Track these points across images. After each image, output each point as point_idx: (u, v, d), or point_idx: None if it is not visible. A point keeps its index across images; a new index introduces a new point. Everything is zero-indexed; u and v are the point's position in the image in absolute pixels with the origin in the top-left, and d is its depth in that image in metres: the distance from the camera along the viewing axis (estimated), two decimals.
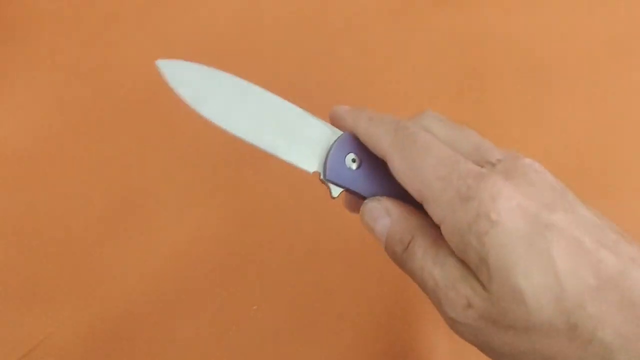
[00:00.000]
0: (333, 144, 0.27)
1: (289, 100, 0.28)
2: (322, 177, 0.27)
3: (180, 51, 0.50)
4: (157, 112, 0.48)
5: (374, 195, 0.26)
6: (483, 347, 0.23)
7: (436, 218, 0.23)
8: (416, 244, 0.24)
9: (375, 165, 0.26)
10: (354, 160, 0.26)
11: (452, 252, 0.23)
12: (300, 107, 0.28)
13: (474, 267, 0.21)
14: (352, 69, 0.49)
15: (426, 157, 0.23)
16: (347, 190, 0.27)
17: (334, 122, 0.28)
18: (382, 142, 0.25)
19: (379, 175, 0.26)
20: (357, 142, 0.27)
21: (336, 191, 0.27)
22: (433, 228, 0.24)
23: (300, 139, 0.27)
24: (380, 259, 0.41)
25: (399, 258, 0.25)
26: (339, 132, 0.27)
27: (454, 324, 0.23)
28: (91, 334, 0.39)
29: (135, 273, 0.41)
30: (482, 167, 0.23)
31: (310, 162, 0.27)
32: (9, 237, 0.42)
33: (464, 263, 0.22)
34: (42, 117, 0.48)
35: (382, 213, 0.25)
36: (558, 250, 0.20)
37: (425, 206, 0.23)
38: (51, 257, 0.42)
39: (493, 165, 0.23)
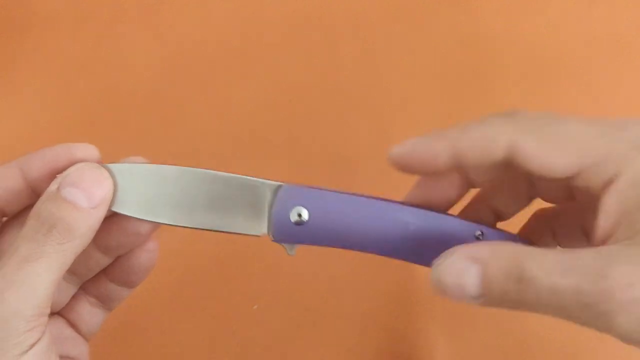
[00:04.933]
0: (273, 201, 0.24)
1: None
2: (271, 239, 0.24)
3: (182, 50, 0.50)
4: (158, 112, 0.48)
5: (336, 241, 0.24)
6: None
7: (604, 178, 0.20)
8: (532, 267, 0.19)
9: (329, 209, 0.24)
10: (300, 215, 0.24)
11: (572, 246, 0.21)
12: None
13: None
14: (353, 69, 0.49)
15: (567, 124, 0.20)
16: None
17: (412, 167, 0.23)
18: (501, 137, 0.21)
19: (337, 218, 0.23)
20: (299, 192, 0.24)
21: (291, 249, 0.25)
22: (526, 243, 0.22)
23: (235, 207, 0.24)
24: (381, 258, 0.41)
25: (515, 297, 0.20)
26: (273, 184, 0.24)
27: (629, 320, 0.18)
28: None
29: None
30: None
31: (255, 226, 0.24)
32: None
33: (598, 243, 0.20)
34: (44, 116, 0.48)
35: (467, 262, 0.20)
36: None
37: (584, 175, 0.20)
38: None
39: None
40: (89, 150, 0.24)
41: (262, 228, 0.24)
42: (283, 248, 0.25)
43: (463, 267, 0.20)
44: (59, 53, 0.51)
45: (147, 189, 0.24)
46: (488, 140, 0.21)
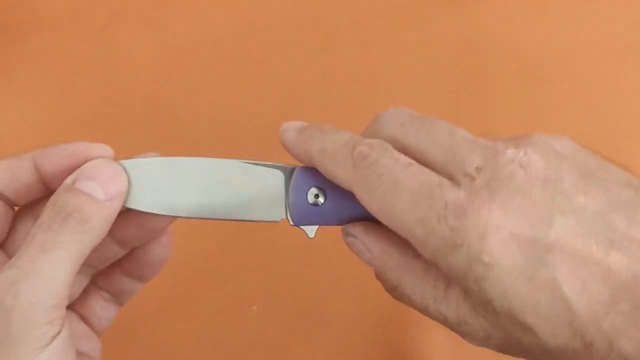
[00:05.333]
0: (289, 185, 0.24)
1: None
2: (291, 223, 0.25)
3: (182, 50, 0.50)
4: (159, 111, 0.48)
5: (353, 220, 0.24)
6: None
7: (427, 258, 0.21)
8: (407, 287, 0.23)
9: (343, 190, 0.23)
10: (317, 196, 0.24)
11: (451, 283, 0.22)
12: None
13: (479, 305, 0.20)
14: (352, 69, 0.49)
15: (396, 197, 0.21)
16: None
17: (286, 149, 0.25)
18: (342, 180, 0.22)
19: (352, 198, 0.23)
20: (313, 174, 0.24)
21: (312, 231, 0.25)
22: (422, 258, 0.22)
23: (252, 194, 0.24)
24: None
25: (394, 297, 0.24)
26: (287, 167, 0.25)
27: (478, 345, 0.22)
28: None
29: None
30: (459, 184, 0.20)
31: (273, 212, 0.24)
32: None
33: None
34: (44, 115, 0.48)
35: (362, 248, 0.24)
36: (563, 274, 0.19)
37: (413, 245, 0.21)
38: None
39: (472, 179, 0.20)
40: (104, 150, 0.24)
41: (280, 213, 0.24)
42: (301, 233, 0.25)
43: (361, 249, 0.24)
44: (58, 53, 0.51)
45: (163, 183, 0.24)
46: (335, 179, 0.23)
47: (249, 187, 0.24)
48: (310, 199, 0.24)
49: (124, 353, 0.39)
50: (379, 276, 0.24)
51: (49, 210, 0.22)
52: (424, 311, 0.23)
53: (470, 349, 0.24)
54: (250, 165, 0.24)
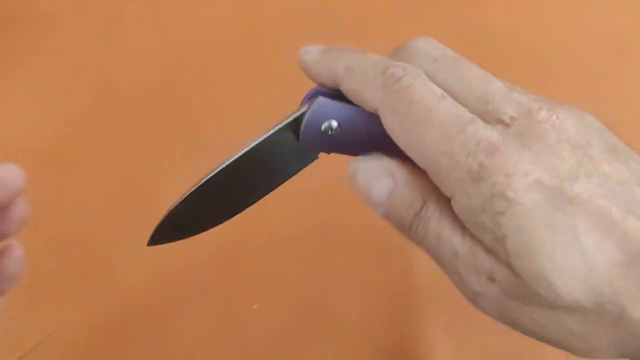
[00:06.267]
0: (304, 112, 0.23)
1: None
2: (298, 141, 0.24)
3: (182, 49, 0.50)
4: (159, 110, 0.48)
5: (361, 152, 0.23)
6: (507, 323, 0.21)
7: (444, 192, 0.21)
8: (430, 208, 0.21)
9: (359, 124, 0.23)
10: (331, 127, 0.23)
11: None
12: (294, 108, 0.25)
13: (489, 247, 0.20)
14: None
15: (427, 127, 0.20)
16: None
17: (306, 74, 0.24)
18: (370, 101, 0.21)
19: (367, 130, 0.22)
20: (331, 108, 0.23)
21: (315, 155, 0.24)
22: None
23: (279, 158, 0.24)
24: (381, 257, 0.41)
25: (407, 224, 0.22)
26: (295, 115, 0.24)
27: (475, 298, 0.21)
28: (94, 331, 0.39)
29: (137, 271, 0.41)
30: (492, 126, 0.20)
31: (305, 157, 0.24)
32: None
33: None
34: (44, 115, 0.48)
35: (383, 173, 0.22)
36: (582, 226, 0.18)
37: (430, 177, 0.21)
38: (54, 255, 0.42)
39: (506, 126, 0.20)
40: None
41: (313, 154, 0.24)
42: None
43: (377, 174, 0.22)
44: (58, 52, 0.51)
45: (197, 215, 0.25)
46: (361, 100, 0.22)
47: (271, 157, 0.24)
48: (324, 127, 0.23)
49: (123, 351, 0.39)
50: (395, 204, 0.22)
51: None
52: (434, 240, 0.22)
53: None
54: (260, 141, 0.24)
